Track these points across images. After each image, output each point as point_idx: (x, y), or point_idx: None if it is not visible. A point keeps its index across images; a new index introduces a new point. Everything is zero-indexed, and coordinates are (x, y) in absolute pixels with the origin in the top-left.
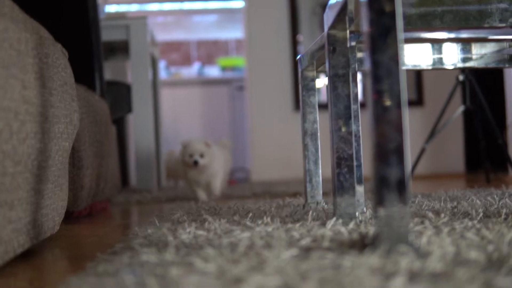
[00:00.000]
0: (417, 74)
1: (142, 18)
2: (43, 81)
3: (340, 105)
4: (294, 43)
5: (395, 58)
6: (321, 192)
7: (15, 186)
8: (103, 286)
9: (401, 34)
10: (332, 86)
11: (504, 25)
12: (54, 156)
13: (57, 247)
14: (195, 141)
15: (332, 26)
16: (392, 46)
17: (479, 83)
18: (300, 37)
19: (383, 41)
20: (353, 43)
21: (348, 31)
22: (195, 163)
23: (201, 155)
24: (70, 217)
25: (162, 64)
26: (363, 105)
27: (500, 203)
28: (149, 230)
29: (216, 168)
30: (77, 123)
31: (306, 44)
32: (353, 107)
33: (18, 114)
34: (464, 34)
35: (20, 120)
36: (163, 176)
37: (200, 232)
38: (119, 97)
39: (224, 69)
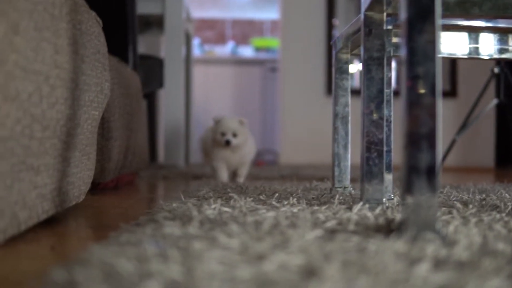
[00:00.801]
0: (452, 65)
1: None
2: (75, 47)
3: (373, 88)
4: (330, 27)
5: (432, 44)
6: (349, 177)
7: (42, 151)
8: (125, 255)
9: (439, 20)
10: (366, 69)
11: None
12: (83, 124)
13: (81, 216)
14: (229, 118)
15: (369, 8)
16: (429, 31)
17: None
18: (336, 21)
19: (421, 26)
20: (389, 27)
21: (385, 14)
22: (227, 142)
23: (234, 134)
24: (96, 188)
25: (196, 42)
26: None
27: None
28: (174, 204)
29: (248, 150)
30: (108, 93)
31: (341, 28)
32: (386, 91)
33: (49, 78)
34: (502, 24)
35: (51, 85)
36: (192, 153)
37: (225, 208)
38: (151, 72)
39: (257, 49)
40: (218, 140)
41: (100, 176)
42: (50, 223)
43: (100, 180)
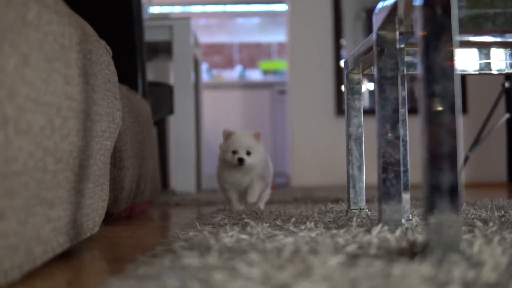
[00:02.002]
0: (461, 81)
1: (185, 19)
2: (86, 78)
3: (388, 108)
4: (338, 48)
5: (451, 61)
6: (364, 198)
7: (55, 184)
8: None
9: (456, 36)
10: (380, 88)
11: None
12: (95, 155)
13: (96, 248)
14: (242, 133)
15: (382, 27)
16: (446, 48)
17: None
18: (344, 42)
19: (437, 43)
20: (402, 46)
21: (397, 32)
22: (240, 161)
23: (248, 152)
24: (109, 218)
25: (204, 67)
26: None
27: None
28: (190, 233)
29: (261, 168)
30: (119, 122)
31: (349, 49)
32: (401, 110)
33: (60, 110)
34: None
35: (63, 116)
36: (204, 179)
37: (243, 236)
38: (161, 98)
39: (266, 72)
40: (229, 159)
41: (113, 206)
42: (65, 256)
43: (113, 210)
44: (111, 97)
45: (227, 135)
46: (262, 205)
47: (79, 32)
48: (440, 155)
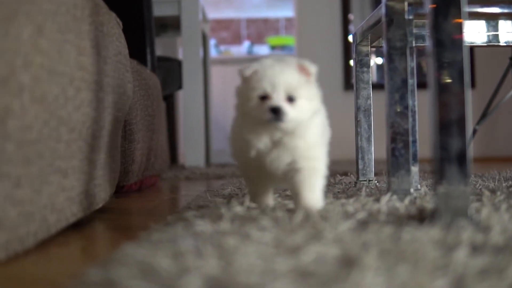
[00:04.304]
0: (469, 55)
1: None
2: (98, 49)
3: (397, 78)
4: (345, 22)
5: (459, 34)
6: (373, 170)
7: (69, 154)
8: (158, 253)
9: (465, 7)
10: (389, 59)
11: None
12: (107, 126)
13: (109, 219)
14: (276, 61)
15: None
16: (455, 20)
17: None
18: (351, 16)
19: (447, 15)
20: (411, 16)
21: (406, 3)
22: (275, 113)
23: (290, 97)
24: (120, 191)
25: (212, 42)
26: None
27: None
28: (201, 202)
29: (317, 133)
30: (130, 94)
31: (357, 24)
32: (409, 81)
33: (73, 80)
34: None
35: (76, 87)
36: (213, 154)
37: (254, 205)
38: (169, 73)
39: (274, 48)
40: (253, 113)
41: (124, 178)
42: (78, 226)
43: (124, 183)
44: (122, 69)
45: (253, 72)
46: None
47: (91, 4)
48: (449, 122)
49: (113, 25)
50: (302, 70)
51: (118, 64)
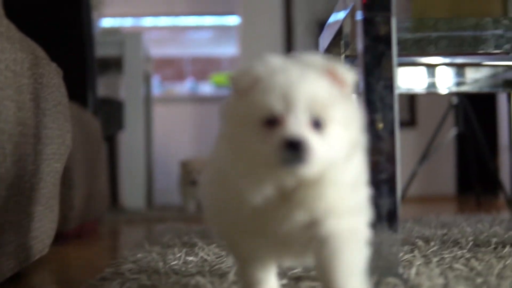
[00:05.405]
0: (411, 95)
1: (136, 34)
2: (37, 102)
3: None
4: None
5: (389, 84)
6: None
7: (6, 209)
8: None
9: (395, 60)
10: None
11: (499, 51)
12: (46, 178)
13: (46, 270)
14: (291, 62)
15: (327, 50)
16: (386, 71)
17: (472, 106)
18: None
19: (377, 66)
20: None
21: (343, 56)
22: (294, 148)
23: (317, 122)
24: (59, 237)
25: (156, 80)
26: None
27: (491, 231)
28: (138, 255)
29: (354, 178)
30: (69, 144)
31: None
32: None
33: (12, 136)
34: (459, 59)
35: (14, 142)
36: (156, 194)
37: (190, 258)
38: (111, 114)
39: (217, 85)
40: (257, 149)
41: (63, 225)
42: (14, 279)
43: (63, 229)
44: (61, 119)
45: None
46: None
47: (31, 57)
48: (379, 180)
49: (53, 75)
50: (334, 77)
51: (58, 115)
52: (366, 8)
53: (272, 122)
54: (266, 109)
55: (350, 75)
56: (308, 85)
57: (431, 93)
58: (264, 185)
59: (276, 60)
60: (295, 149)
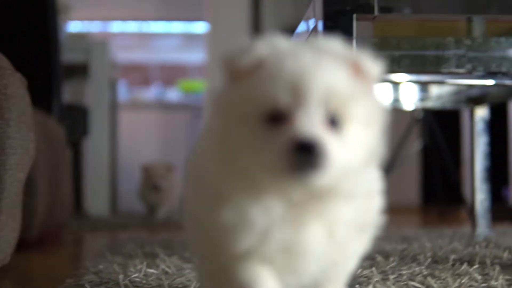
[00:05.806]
0: None
1: (103, 41)
2: (1, 113)
3: None
4: None
5: None
6: None
7: None
8: None
9: None
10: None
11: (461, 70)
12: (8, 188)
13: (7, 280)
14: (304, 46)
15: None
16: None
17: (437, 121)
18: None
19: None
20: None
21: None
22: (306, 150)
23: (333, 120)
24: (21, 244)
25: (123, 84)
26: None
27: (450, 247)
28: (100, 266)
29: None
30: (33, 154)
31: None
32: None
33: None
34: (423, 77)
35: None
36: (121, 201)
37: (151, 270)
38: (76, 120)
39: (184, 92)
40: (257, 152)
41: (25, 232)
42: None
43: (25, 236)
44: (25, 129)
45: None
46: None
47: None
48: None
49: (18, 85)
50: (356, 68)
51: (21, 125)
52: (328, 29)
53: (278, 118)
54: (270, 101)
55: (375, 67)
56: (324, 74)
57: (396, 109)
58: (270, 201)
59: (285, 42)
60: (307, 153)
